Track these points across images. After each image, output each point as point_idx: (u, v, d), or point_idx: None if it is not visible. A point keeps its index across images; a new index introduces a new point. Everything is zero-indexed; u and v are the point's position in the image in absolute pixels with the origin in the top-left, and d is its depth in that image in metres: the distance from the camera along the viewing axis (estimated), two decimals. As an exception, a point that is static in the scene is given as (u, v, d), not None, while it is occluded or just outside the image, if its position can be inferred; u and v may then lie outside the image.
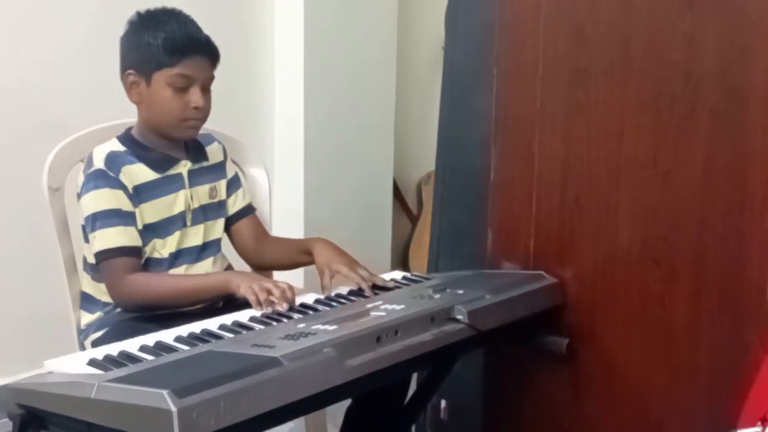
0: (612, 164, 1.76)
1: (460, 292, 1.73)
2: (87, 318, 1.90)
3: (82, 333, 1.90)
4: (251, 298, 1.68)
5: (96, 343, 1.82)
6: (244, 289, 1.70)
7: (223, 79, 1.95)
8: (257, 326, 1.61)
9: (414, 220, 3.91)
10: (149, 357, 1.44)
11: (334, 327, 1.49)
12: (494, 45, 1.95)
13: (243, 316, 1.67)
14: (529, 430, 2.00)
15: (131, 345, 1.50)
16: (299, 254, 1.99)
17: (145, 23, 1.86)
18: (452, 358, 1.87)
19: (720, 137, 1.60)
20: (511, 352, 1.96)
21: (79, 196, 1.87)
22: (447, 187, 2.42)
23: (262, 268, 2.11)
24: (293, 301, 1.69)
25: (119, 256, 1.81)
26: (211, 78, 1.89)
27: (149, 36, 1.82)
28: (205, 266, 1.96)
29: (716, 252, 1.63)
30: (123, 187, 1.83)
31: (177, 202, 1.93)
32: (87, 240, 1.89)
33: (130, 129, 1.94)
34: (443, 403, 2.34)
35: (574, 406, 1.88)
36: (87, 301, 1.91)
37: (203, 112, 1.88)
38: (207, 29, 1.90)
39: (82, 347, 1.89)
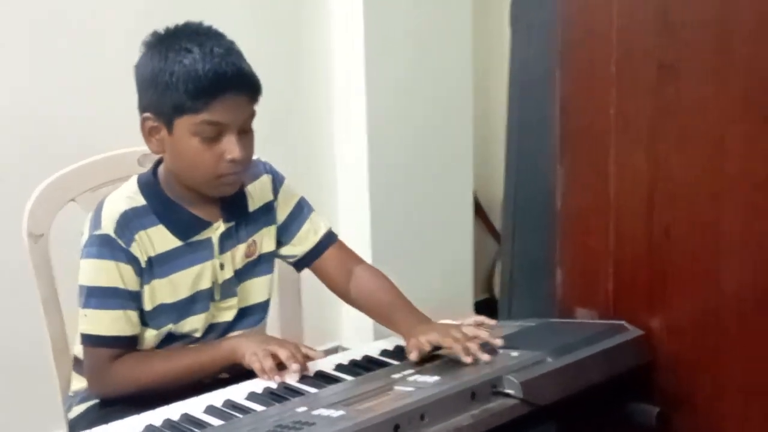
0: (713, 184, 1.43)
1: (515, 354, 1.40)
2: (78, 383, 1.60)
3: (67, 402, 1.60)
4: (255, 367, 1.43)
5: (74, 423, 1.54)
6: (248, 357, 1.45)
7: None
8: (254, 406, 1.32)
9: (500, 239, 3.53)
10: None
11: (341, 412, 1.19)
12: (556, 38, 1.59)
13: (238, 392, 1.38)
14: None
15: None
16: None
17: (161, 50, 1.44)
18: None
19: None
20: (586, 423, 1.59)
21: (81, 252, 1.52)
22: (518, 211, 2.13)
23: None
24: (304, 364, 1.45)
25: (109, 347, 1.50)
26: (251, 116, 1.49)
27: (166, 71, 1.41)
28: None
29: None
30: (132, 261, 1.48)
31: (202, 278, 1.55)
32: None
33: (156, 167, 1.56)
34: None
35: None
36: (81, 366, 1.61)
37: (243, 164, 1.49)
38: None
39: (67, 420, 1.60)
